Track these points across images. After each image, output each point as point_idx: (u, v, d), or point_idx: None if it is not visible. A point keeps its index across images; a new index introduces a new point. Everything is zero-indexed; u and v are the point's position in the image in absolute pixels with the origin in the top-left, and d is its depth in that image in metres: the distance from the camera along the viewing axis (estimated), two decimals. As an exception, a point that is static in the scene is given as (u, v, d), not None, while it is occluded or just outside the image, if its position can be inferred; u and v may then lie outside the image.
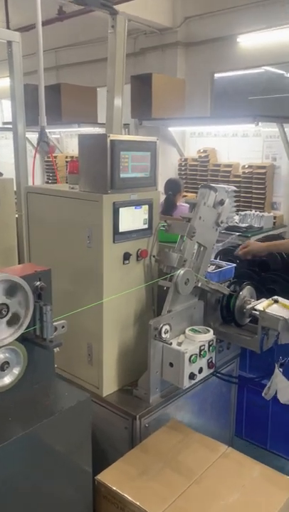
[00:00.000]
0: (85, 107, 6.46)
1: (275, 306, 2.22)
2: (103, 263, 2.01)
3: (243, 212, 5.31)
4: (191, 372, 2.05)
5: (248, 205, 5.52)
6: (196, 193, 2.26)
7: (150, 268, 2.23)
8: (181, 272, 2.07)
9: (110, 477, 1.75)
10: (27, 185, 3.05)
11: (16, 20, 5.55)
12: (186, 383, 2.04)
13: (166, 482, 1.76)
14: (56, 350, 1.59)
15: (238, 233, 4.83)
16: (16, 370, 1.54)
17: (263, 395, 2.18)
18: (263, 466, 1.86)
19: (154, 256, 2.23)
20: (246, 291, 2.37)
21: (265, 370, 2.30)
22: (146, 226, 2.17)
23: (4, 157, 6.08)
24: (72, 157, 6.74)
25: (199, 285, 2.23)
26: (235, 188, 5.11)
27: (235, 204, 5.35)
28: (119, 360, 2.18)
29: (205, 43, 6.03)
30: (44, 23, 5.63)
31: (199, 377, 2.10)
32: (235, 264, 2.59)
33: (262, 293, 2.60)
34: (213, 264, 2.54)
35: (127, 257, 2.10)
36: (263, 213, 5.26)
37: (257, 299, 2.38)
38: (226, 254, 3.15)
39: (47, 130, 7.33)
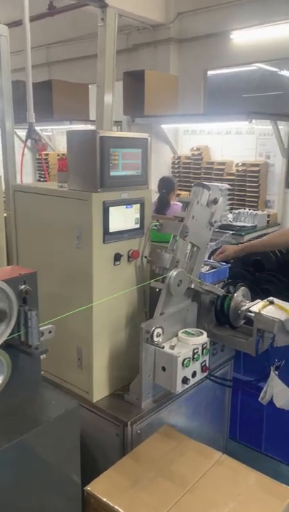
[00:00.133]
0: (76, 103, 6.36)
1: (270, 307, 2.16)
2: (93, 264, 1.93)
3: (236, 211, 5.26)
4: (184, 377, 1.98)
5: (242, 203, 5.47)
6: (189, 191, 2.20)
7: (142, 269, 2.16)
8: (173, 273, 2.00)
9: (100, 488, 1.69)
10: (15, 183, 2.97)
11: (5, 15, 5.44)
12: (179, 388, 1.98)
13: (158, 492, 1.69)
14: (42, 357, 1.52)
15: (231, 232, 4.78)
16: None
17: (259, 399, 2.12)
18: (259, 473, 1.80)
19: (145, 257, 2.16)
20: (241, 292, 2.31)
21: (260, 372, 2.25)
22: (137, 226, 2.10)
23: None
24: (63, 155, 6.64)
25: (192, 286, 2.16)
26: (229, 187, 5.06)
27: (229, 202, 5.30)
28: (109, 364, 2.11)
29: (198, 39, 5.97)
30: (34, 18, 5.55)
31: (192, 381, 2.04)
32: (229, 265, 2.53)
33: (256, 293, 2.54)
34: (207, 265, 2.48)
35: (117, 257, 2.03)
36: (256, 211, 5.21)
37: (252, 300, 2.33)
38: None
39: (38, 127, 7.22)
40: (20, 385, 1.53)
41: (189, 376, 2.00)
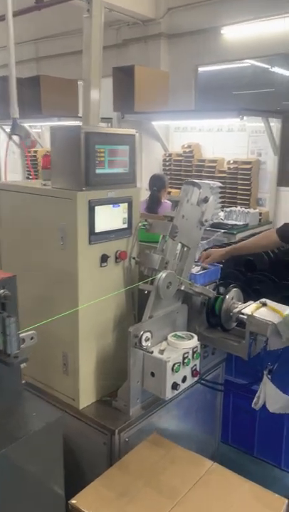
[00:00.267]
0: (65, 100, 6.25)
1: (263, 309, 2.09)
2: (78, 266, 1.85)
3: (228, 209, 5.20)
4: (174, 382, 1.91)
5: (234, 201, 5.41)
6: (180, 188, 2.12)
7: (130, 271, 2.08)
8: (162, 274, 1.93)
9: (85, 501, 1.61)
10: None
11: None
12: (169, 394, 1.91)
13: (146, 504, 1.62)
14: (23, 365, 1.43)
15: (223, 230, 4.72)
16: (-23, 390, 1.38)
17: (252, 405, 2.06)
18: (251, 483, 1.74)
19: (134, 258, 2.08)
20: (233, 294, 2.24)
21: (253, 375, 2.18)
22: (125, 226, 2.02)
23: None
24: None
25: (182, 288, 2.09)
26: (220, 184, 4.94)
27: (221, 200, 5.22)
28: (97, 370, 2.03)
29: (189, 34, 5.88)
30: (21, 12, 5.42)
31: (183, 386, 1.97)
32: (221, 265, 2.46)
33: (248, 294, 2.48)
34: (198, 265, 2.40)
35: (104, 259, 1.95)
36: (248, 210, 5.16)
37: (244, 301, 2.26)
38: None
39: (27, 124, 7.10)
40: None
41: (179, 381, 1.94)
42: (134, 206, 2.04)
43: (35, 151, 6.97)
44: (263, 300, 2.15)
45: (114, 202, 1.95)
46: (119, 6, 5.55)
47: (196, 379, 2.05)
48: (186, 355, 1.95)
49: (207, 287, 2.26)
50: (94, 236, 1.88)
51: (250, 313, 2.05)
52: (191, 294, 2.18)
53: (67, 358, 1.99)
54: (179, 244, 2.07)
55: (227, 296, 2.20)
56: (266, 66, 6.40)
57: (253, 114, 4.91)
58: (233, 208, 5.20)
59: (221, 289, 2.32)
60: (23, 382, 1.52)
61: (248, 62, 6.04)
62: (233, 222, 4.99)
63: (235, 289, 2.26)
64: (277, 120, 5.18)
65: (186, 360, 1.95)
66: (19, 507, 1.41)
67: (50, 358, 2.04)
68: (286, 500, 1.66)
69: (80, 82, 6.47)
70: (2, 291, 1.39)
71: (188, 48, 5.95)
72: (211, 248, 2.93)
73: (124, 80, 5.39)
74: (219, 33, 5.60)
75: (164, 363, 1.87)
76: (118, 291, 2.03)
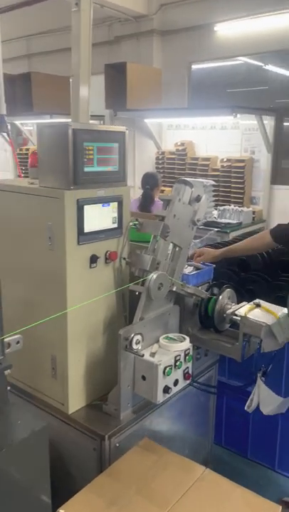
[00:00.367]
0: (57, 97, 6.15)
1: (257, 310, 2.05)
2: (66, 267, 1.80)
3: (221, 207, 5.16)
4: (166, 386, 1.87)
5: (227, 199, 5.37)
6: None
7: (120, 271, 2.03)
8: (153, 276, 1.88)
9: (74, 510, 1.56)
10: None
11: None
12: (160, 398, 1.86)
13: (137, 513, 1.57)
14: (7, 372, 1.38)
15: (216, 229, 4.68)
16: None
17: (245, 408, 2.02)
18: (244, 489, 1.70)
19: (124, 258, 2.03)
20: (226, 295, 2.20)
21: (246, 376, 2.14)
22: (115, 225, 1.97)
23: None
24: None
25: (174, 289, 2.04)
26: (213, 183, 4.95)
27: (214, 199, 5.20)
28: (86, 373, 1.98)
29: (182, 31, 5.82)
30: (12, 8, 5.34)
31: (174, 390, 1.92)
32: (214, 265, 2.41)
33: (241, 294, 2.43)
34: (190, 266, 2.35)
35: (94, 260, 1.89)
36: (242, 208, 5.12)
37: (237, 302, 2.21)
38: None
39: (18, 121, 6.99)
40: (-17, 403, 1.39)
41: (171, 385, 1.89)
42: (125, 205, 1.99)
43: (27, 149, 6.89)
44: (257, 301, 2.11)
45: (104, 201, 1.89)
46: (111, 2, 5.47)
47: (188, 382, 2.00)
48: (178, 358, 1.90)
49: (200, 288, 2.22)
50: (83, 236, 1.83)
51: (243, 314, 2.01)
52: (183, 295, 2.13)
53: (55, 362, 1.94)
54: (171, 244, 2.02)
55: (220, 297, 2.16)
56: (260, 64, 6.35)
57: (247, 112, 4.87)
58: (227, 207, 5.16)
59: (215, 290, 2.27)
60: (8, 388, 1.46)
61: (242, 60, 5.99)
62: (227, 221, 4.95)
63: (228, 289, 2.21)
64: (271, 118, 5.14)
65: (178, 363, 1.90)
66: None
67: (39, 361, 1.99)
68: (280, 507, 1.62)
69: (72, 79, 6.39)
70: (-16, 294, 1.33)
71: (181, 44, 5.89)
72: (205, 247, 2.89)
73: (116, 77, 5.32)
74: (212, 29, 5.55)
75: (155, 366, 1.82)
76: (108, 293, 1.98)
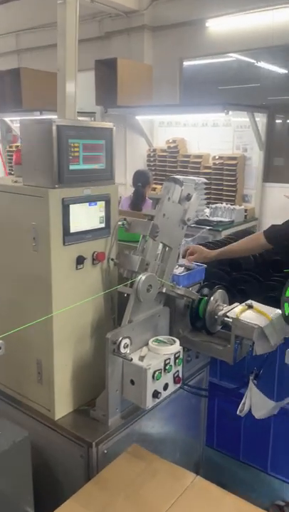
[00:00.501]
0: (47, 93, 6.02)
1: (249, 312, 2.00)
2: (51, 269, 1.73)
3: (213, 205, 5.12)
4: (155, 390, 1.81)
5: (219, 197, 5.33)
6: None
7: (108, 273, 1.97)
8: (142, 277, 1.82)
9: (60, 522, 1.50)
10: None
11: None
12: (150, 403, 1.81)
13: (125, 523, 1.52)
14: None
15: (208, 227, 4.63)
16: None
17: (238, 412, 1.97)
18: (235, 497, 1.65)
19: (112, 259, 1.96)
20: (217, 296, 2.14)
21: (238, 378, 2.10)
22: (102, 225, 1.90)
23: None
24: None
25: (164, 291, 1.99)
26: (205, 180, 4.91)
27: (206, 197, 5.15)
28: (73, 378, 1.91)
29: (173, 27, 5.75)
30: (0, 2, 5.24)
31: (164, 394, 1.87)
32: (205, 266, 2.36)
33: (233, 294, 2.38)
34: (181, 266, 2.30)
35: (80, 261, 1.83)
36: (234, 206, 5.09)
37: (229, 302, 2.16)
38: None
39: (8, 118, 6.87)
40: None
41: (160, 389, 1.84)
42: (112, 204, 1.93)
43: (17, 146, 6.79)
44: (249, 302, 2.05)
45: (91, 200, 1.83)
46: (102, -3, 5.40)
47: (178, 386, 1.95)
48: (167, 362, 1.85)
49: (191, 289, 2.16)
50: (68, 236, 1.76)
51: (235, 316, 1.96)
52: (173, 297, 2.08)
53: (41, 366, 1.87)
54: (160, 244, 1.96)
55: (211, 299, 2.10)
56: (251, 61, 6.30)
57: (238, 109, 4.83)
58: (219, 205, 5.11)
59: (206, 291, 2.22)
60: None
61: (233, 57, 5.94)
62: (219, 219, 4.91)
63: (219, 290, 2.16)
64: (263, 115, 5.11)
65: (167, 367, 1.85)
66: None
67: (24, 366, 1.92)
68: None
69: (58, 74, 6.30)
70: None
71: (172, 40, 5.83)
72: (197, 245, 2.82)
73: (106, 73, 5.25)
74: (204, 25, 5.49)
75: (144, 370, 1.77)
76: (96, 296, 1.91)
